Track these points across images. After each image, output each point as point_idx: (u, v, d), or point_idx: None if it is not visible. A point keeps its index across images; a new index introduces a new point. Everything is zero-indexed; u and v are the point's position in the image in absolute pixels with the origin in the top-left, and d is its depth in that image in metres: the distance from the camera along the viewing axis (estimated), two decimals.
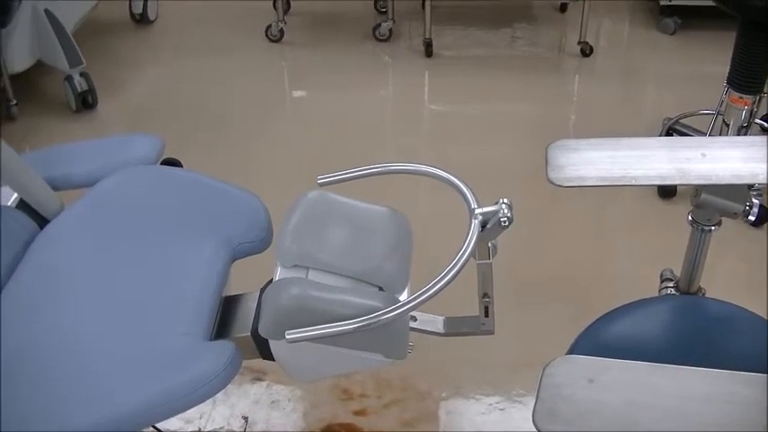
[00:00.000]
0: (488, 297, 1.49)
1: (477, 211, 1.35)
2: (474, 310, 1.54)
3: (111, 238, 1.60)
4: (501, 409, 2.18)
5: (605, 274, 2.61)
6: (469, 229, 1.33)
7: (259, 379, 2.24)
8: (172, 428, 2.09)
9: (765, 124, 3.04)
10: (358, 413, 2.16)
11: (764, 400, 1.04)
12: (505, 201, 1.34)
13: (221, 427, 2.13)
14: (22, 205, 1.68)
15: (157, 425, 1.40)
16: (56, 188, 1.74)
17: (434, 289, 1.25)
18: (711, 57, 3.59)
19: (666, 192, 2.89)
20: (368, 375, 2.23)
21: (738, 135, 2.67)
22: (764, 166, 1.43)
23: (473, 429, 2.13)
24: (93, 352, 1.38)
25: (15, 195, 1.69)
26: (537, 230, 2.74)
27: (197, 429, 2.12)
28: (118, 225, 1.63)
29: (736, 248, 2.65)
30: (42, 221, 1.68)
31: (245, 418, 2.15)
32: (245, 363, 1.43)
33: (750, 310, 1.50)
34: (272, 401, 2.20)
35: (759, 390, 1.06)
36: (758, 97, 2.62)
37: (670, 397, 1.09)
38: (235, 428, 2.13)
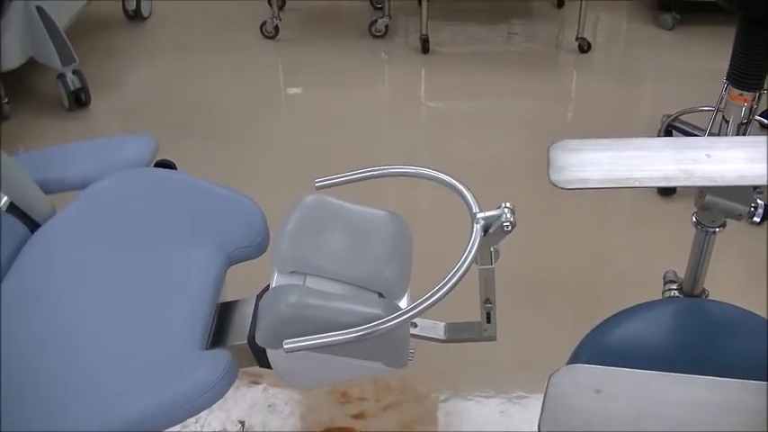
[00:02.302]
0: (491, 303, 1.47)
1: (480, 215, 1.32)
2: (475, 314, 1.51)
3: (104, 242, 1.57)
4: (501, 411, 2.15)
5: (606, 273, 2.58)
6: (471, 234, 1.30)
7: (256, 382, 2.21)
8: None
9: (765, 121, 3.03)
10: (356, 416, 2.13)
11: None
12: (508, 205, 1.31)
13: None
14: (12, 209, 1.65)
15: None
16: (48, 191, 1.71)
17: (436, 296, 1.22)
18: (710, 53, 3.56)
19: (666, 190, 2.86)
20: (366, 378, 2.20)
21: (738, 132, 2.65)
22: None
23: (472, 431, 2.11)
24: (87, 362, 1.35)
25: (5, 198, 1.66)
26: (536, 229, 2.72)
27: None
28: (111, 230, 1.60)
29: (736, 246, 2.62)
30: (33, 225, 1.65)
31: (242, 423, 2.12)
32: None
33: (753, 310, 1.48)
34: (269, 405, 2.17)
35: None
36: (758, 94, 2.61)
37: (679, 407, 1.06)
38: None
